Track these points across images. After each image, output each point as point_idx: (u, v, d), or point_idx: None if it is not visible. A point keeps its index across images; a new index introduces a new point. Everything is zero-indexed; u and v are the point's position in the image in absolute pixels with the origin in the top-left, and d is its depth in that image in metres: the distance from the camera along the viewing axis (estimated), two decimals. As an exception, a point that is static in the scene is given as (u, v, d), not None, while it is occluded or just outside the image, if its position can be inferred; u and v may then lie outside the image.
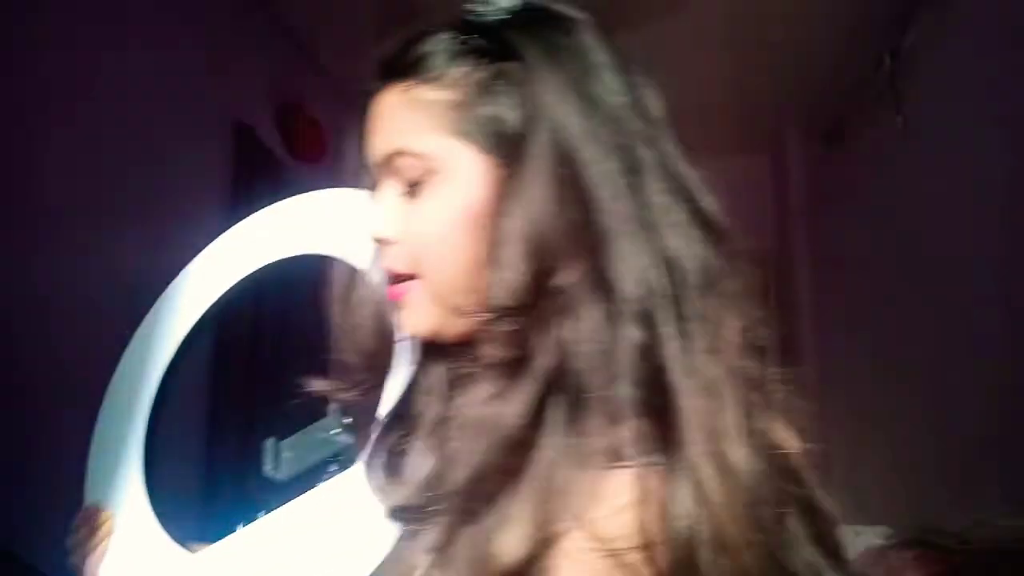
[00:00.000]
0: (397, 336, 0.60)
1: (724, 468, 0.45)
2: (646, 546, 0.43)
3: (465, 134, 0.53)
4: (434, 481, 0.50)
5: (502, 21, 0.54)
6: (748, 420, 0.48)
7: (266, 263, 0.82)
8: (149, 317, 0.87)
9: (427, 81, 0.54)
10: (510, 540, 0.44)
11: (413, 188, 0.55)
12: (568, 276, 0.49)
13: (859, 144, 2.82)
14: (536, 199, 0.50)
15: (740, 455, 0.46)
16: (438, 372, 0.57)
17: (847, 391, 3.13)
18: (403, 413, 0.58)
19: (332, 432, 0.67)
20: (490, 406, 0.49)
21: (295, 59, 2.64)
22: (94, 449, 0.85)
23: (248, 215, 0.86)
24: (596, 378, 0.47)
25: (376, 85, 0.57)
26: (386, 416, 0.59)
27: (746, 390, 0.50)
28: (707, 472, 0.44)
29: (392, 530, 0.55)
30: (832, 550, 0.52)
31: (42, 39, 1.64)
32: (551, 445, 0.46)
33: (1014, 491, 1.70)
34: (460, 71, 0.54)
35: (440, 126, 0.53)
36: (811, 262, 3.50)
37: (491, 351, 0.51)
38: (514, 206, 0.50)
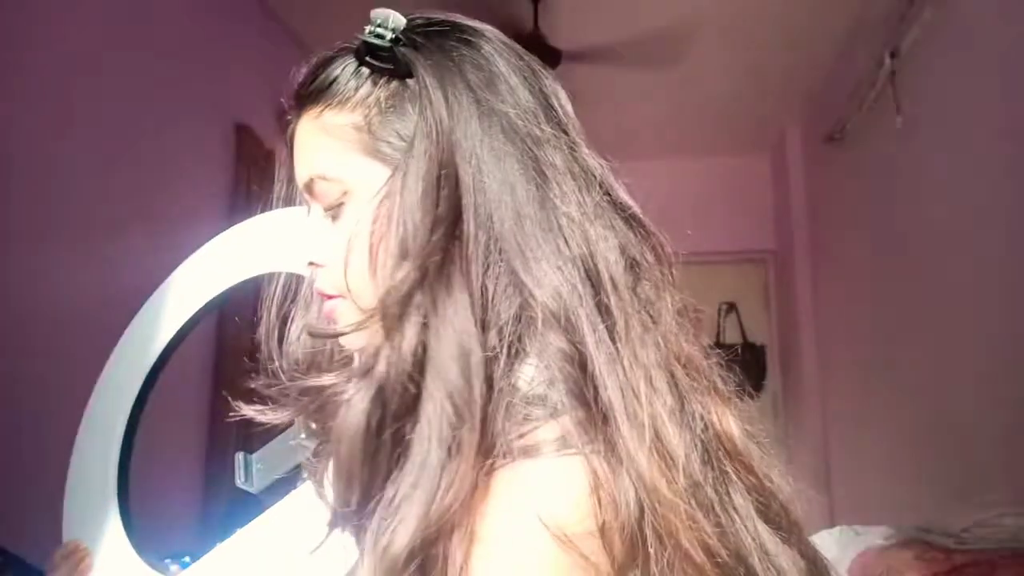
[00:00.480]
0: (338, 353, 0.61)
1: (659, 455, 0.46)
2: (597, 533, 0.44)
3: (374, 153, 0.54)
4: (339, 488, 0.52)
5: (396, 40, 0.54)
6: (683, 405, 0.49)
7: (235, 283, 0.82)
8: (115, 354, 0.88)
9: (334, 105, 0.56)
10: (399, 532, 0.45)
11: (334, 211, 0.56)
12: (442, 283, 0.50)
13: (859, 144, 2.82)
14: (412, 209, 0.50)
15: (675, 441, 0.47)
16: None
17: (847, 391, 3.14)
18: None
19: (299, 439, 0.65)
20: (342, 411, 0.51)
21: (295, 59, 2.64)
22: (69, 487, 0.86)
23: (247, 215, 0.87)
24: (460, 381, 0.47)
25: (292, 114, 0.59)
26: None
27: (681, 376, 0.51)
28: (642, 460, 0.45)
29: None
30: (782, 524, 0.52)
31: (43, 40, 1.64)
32: (427, 446, 0.47)
33: (1014, 491, 1.70)
34: (362, 93, 0.55)
35: (350, 148, 0.55)
36: (811, 262, 3.50)
37: (362, 357, 0.52)
38: (393, 216, 0.51)
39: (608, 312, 0.50)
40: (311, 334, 0.60)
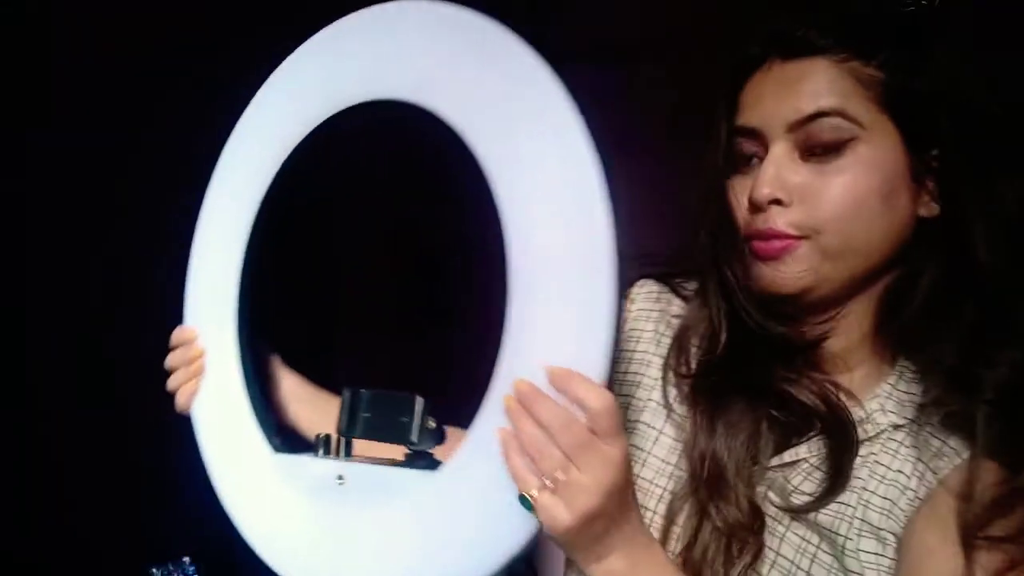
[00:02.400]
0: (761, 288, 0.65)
1: None
2: None
3: (892, 111, 0.60)
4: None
5: (927, 11, 0.63)
6: None
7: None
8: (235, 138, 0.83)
9: (861, 54, 0.61)
10: None
11: (824, 151, 0.60)
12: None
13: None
14: (964, 182, 0.58)
15: None
16: (776, 333, 0.64)
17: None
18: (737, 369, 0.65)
19: (415, 430, 0.61)
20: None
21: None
22: (191, 274, 0.82)
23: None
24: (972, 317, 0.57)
25: (784, 51, 0.64)
26: (710, 369, 0.66)
27: None
28: None
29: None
30: None
31: (43, 39, 1.64)
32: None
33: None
34: (892, 52, 0.61)
35: (874, 98, 0.60)
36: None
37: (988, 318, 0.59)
38: (974, 194, 0.59)
39: None
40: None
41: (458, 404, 0.63)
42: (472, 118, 0.58)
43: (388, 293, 2.82)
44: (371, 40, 0.66)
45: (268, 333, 0.78)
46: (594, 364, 0.51)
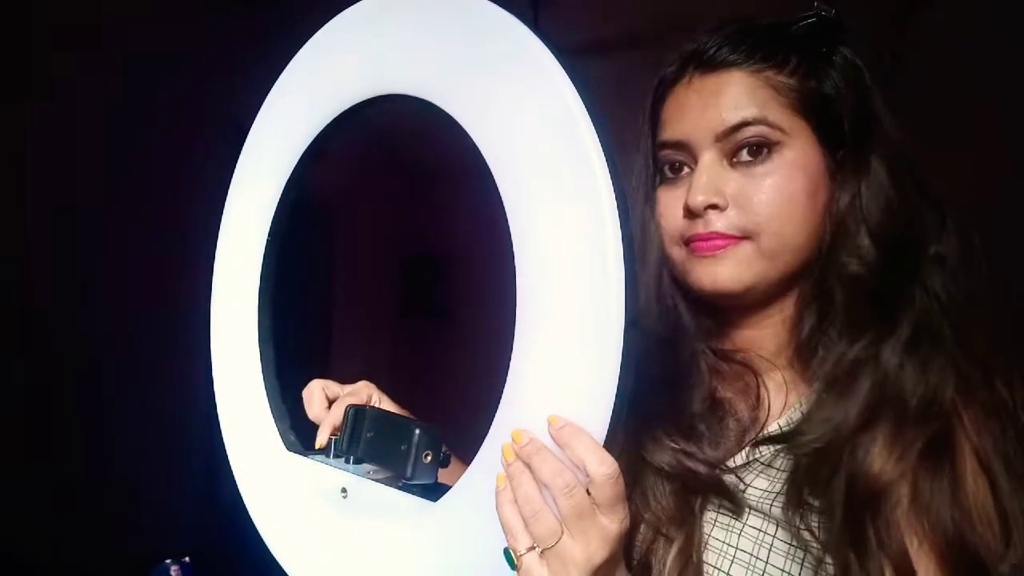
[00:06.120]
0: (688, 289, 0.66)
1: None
2: None
3: (806, 115, 0.63)
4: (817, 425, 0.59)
5: (827, 21, 0.64)
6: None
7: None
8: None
9: (775, 65, 0.63)
10: (878, 462, 0.55)
11: (750, 156, 0.62)
12: (921, 248, 0.62)
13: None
14: (885, 186, 0.62)
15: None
16: (718, 329, 0.67)
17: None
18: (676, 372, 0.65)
19: (410, 465, 0.58)
20: (869, 353, 0.59)
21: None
22: (216, 269, 0.82)
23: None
24: (947, 324, 0.60)
25: (703, 66, 0.66)
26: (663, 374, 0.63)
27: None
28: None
29: None
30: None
31: (43, 40, 1.64)
32: (909, 382, 0.58)
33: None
34: (803, 60, 0.63)
35: (787, 104, 0.63)
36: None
37: (857, 309, 0.61)
38: (865, 189, 0.62)
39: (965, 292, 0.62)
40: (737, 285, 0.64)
41: (463, 413, 0.62)
42: (484, 122, 0.54)
43: (389, 296, 2.80)
44: (383, 31, 0.63)
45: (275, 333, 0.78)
46: (600, 417, 0.47)
